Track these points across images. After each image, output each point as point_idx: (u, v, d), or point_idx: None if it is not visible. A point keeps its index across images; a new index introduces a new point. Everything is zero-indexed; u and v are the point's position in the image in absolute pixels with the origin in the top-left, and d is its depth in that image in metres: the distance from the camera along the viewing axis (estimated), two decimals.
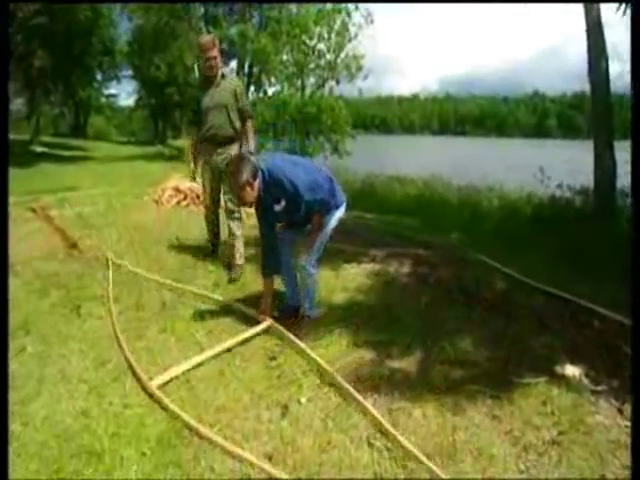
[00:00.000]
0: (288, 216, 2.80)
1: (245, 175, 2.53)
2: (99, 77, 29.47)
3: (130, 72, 30.88)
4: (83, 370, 2.44)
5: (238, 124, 3.87)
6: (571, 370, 2.41)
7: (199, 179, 4.10)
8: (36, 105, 21.28)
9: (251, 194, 2.59)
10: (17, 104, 23.43)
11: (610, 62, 5.75)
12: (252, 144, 3.95)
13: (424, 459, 1.78)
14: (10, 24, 13.95)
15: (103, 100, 35.58)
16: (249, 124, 3.95)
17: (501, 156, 25.76)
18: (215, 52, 3.67)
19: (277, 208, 2.70)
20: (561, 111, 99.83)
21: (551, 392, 2.25)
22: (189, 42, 20.31)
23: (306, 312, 3.04)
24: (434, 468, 1.73)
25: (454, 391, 2.27)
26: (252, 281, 3.67)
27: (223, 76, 3.81)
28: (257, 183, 2.61)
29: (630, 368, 2.41)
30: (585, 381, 2.34)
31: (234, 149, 3.86)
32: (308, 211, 2.72)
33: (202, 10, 20.58)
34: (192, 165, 4.06)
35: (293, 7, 15.98)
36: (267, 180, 2.63)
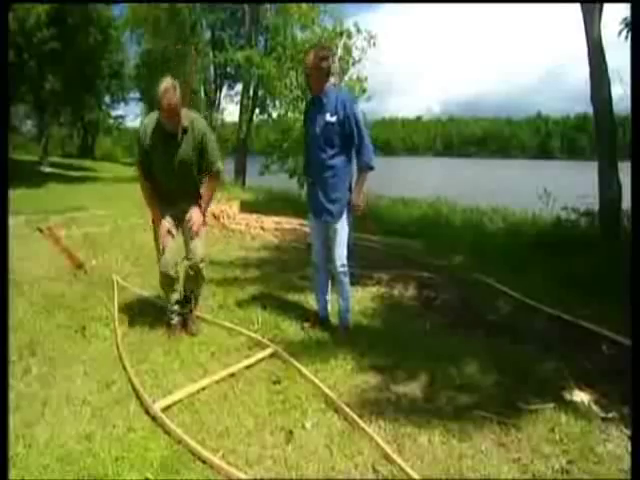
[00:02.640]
0: (334, 132, 2.98)
1: (327, 64, 2.95)
2: (107, 99, 30.17)
3: (137, 94, 31.52)
4: (87, 392, 2.43)
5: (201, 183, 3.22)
6: (580, 396, 2.38)
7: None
8: (46, 126, 21.68)
9: (321, 83, 3.00)
10: (27, 125, 23.90)
11: (612, 84, 5.82)
12: (205, 202, 3.20)
13: None
14: (25, 49, 14.34)
15: (111, 122, 36.19)
16: (210, 180, 3.20)
17: (505, 178, 25.86)
18: (175, 99, 2.78)
19: (328, 118, 2.96)
20: (564, 133, 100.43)
21: (559, 419, 2.22)
22: (196, 66, 20.82)
23: (344, 320, 3.26)
24: None
25: (460, 417, 2.24)
26: (257, 303, 3.68)
27: (185, 131, 2.95)
28: (329, 84, 3.03)
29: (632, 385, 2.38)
30: (594, 407, 2.31)
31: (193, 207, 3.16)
32: (349, 134, 2.97)
33: (209, 35, 21.14)
34: (155, 213, 3.13)
35: (298, 32, 16.32)
36: (338, 96, 3.02)
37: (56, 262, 4.86)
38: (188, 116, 2.99)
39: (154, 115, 3.01)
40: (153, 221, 3.18)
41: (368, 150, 3.01)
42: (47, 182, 13.68)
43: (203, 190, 3.23)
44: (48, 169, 18.85)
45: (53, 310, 3.50)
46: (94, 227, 6.77)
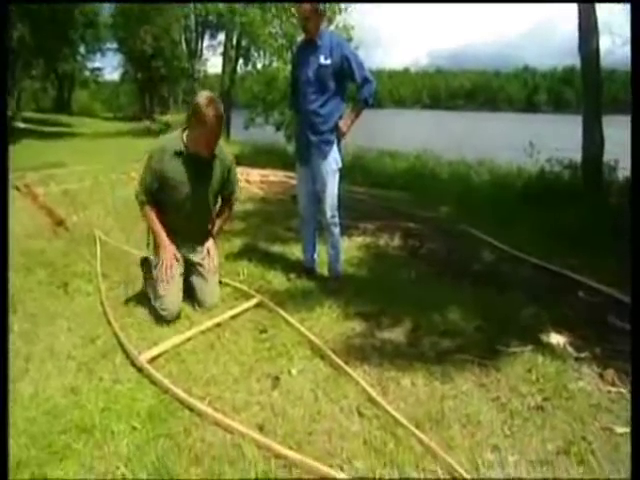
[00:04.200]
0: (328, 75, 2.93)
1: (324, 6, 2.93)
2: (82, 50, 28.67)
3: (115, 45, 30.00)
4: (72, 347, 2.41)
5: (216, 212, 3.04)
6: (556, 338, 2.46)
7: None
8: (17, 79, 20.65)
9: (318, 26, 2.92)
10: None
11: (600, 37, 5.69)
12: (217, 227, 3.06)
13: (412, 427, 1.80)
14: None
15: (87, 74, 34.56)
16: (227, 209, 3.07)
17: (492, 131, 25.67)
18: (222, 111, 2.60)
19: (323, 61, 2.90)
20: (551, 86, 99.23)
21: (536, 360, 2.29)
22: (175, 15, 19.75)
23: (335, 270, 3.26)
24: (421, 436, 1.76)
25: (443, 360, 2.30)
26: (243, 255, 3.66)
27: (214, 157, 2.76)
28: (322, 27, 2.97)
29: (615, 337, 2.48)
30: (569, 349, 2.39)
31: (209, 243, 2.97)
32: (347, 73, 2.94)
33: None
34: (161, 235, 2.78)
35: None
36: (332, 39, 2.98)
37: (35, 219, 4.75)
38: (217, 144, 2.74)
39: (172, 138, 2.73)
40: (156, 247, 2.81)
41: (371, 86, 2.99)
42: (21, 138, 13.16)
43: (219, 220, 3.06)
44: (22, 125, 18.14)
45: (34, 267, 3.43)
46: (74, 183, 6.58)
